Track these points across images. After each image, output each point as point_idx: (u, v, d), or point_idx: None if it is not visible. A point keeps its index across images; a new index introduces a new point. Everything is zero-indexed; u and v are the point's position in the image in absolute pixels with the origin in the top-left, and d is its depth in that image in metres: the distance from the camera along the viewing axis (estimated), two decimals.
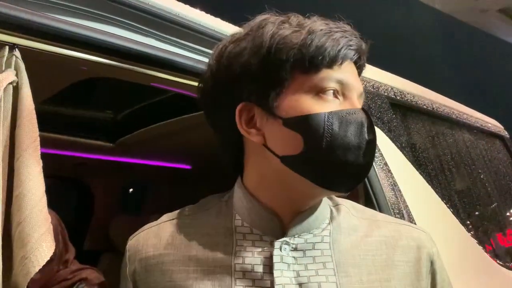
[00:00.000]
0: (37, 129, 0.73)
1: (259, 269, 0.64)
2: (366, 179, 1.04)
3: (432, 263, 0.70)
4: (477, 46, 6.72)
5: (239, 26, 1.07)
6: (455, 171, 1.52)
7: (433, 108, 1.52)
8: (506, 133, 2.22)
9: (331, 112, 0.61)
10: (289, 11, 0.69)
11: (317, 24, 0.63)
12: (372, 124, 0.63)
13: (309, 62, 0.61)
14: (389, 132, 1.17)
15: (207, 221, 0.70)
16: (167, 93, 1.95)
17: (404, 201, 1.08)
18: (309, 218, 0.67)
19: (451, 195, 1.41)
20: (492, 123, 2.13)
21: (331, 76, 0.62)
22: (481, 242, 1.50)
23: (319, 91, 0.62)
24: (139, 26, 0.93)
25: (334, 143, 0.60)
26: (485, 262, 1.35)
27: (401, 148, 1.20)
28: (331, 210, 0.72)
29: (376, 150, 1.11)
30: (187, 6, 0.97)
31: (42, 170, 0.73)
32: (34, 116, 0.73)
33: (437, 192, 1.28)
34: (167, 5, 0.93)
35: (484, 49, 6.77)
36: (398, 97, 1.31)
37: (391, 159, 1.13)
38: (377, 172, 1.05)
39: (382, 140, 1.13)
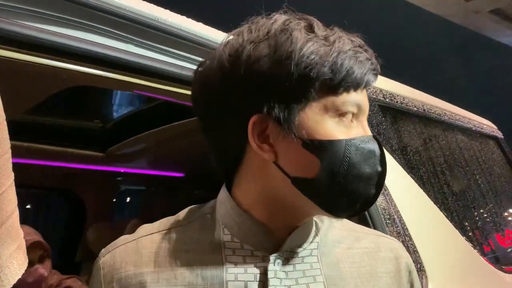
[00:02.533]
0: (8, 141, 0.70)
1: (254, 285, 0.61)
2: None
3: (409, 273, 0.71)
4: (469, 47, 6.75)
5: (223, 30, 1.05)
6: (448, 173, 1.50)
7: (424, 110, 1.50)
8: (500, 133, 2.21)
9: (350, 140, 0.59)
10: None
11: (344, 41, 0.61)
12: (383, 153, 0.63)
13: (338, 84, 0.59)
14: (378, 135, 1.15)
15: (191, 236, 0.66)
16: (157, 101, 1.94)
17: (395, 206, 1.06)
18: (304, 233, 0.66)
19: (445, 198, 1.39)
20: (485, 124, 2.11)
21: (354, 100, 0.60)
22: (478, 244, 1.48)
23: (340, 114, 0.60)
24: (117, 32, 0.90)
25: (350, 172, 0.59)
26: (480, 265, 1.33)
27: (392, 152, 1.18)
28: (316, 222, 0.70)
29: None
30: (167, 11, 0.95)
31: (13, 183, 0.70)
32: (5, 126, 0.70)
33: (429, 195, 1.25)
34: (146, 10, 0.90)
35: (477, 50, 6.79)
36: (387, 100, 1.29)
37: None
38: None
39: None
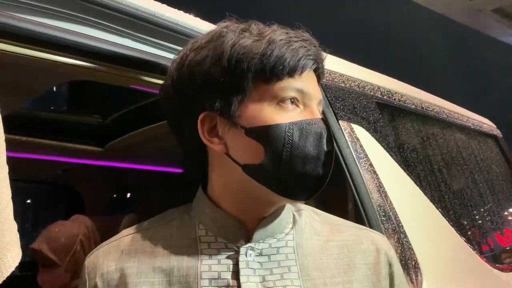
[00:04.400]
0: (3, 134, 0.70)
1: (226, 275, 0.64)
2: (351, 181, 1.02)
3: (390, 266, 0.73)
4: (472, 46, 6.73)
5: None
6: (445, 171, 1.50)
7: (422, 108, 1.50)
8: (499, 132, 2.20)
9: (292, 122, 0.63)
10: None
11: (277, 33, 0.64)
12: (331, 134, 0.65)
13: (270, 72, 0.63)
14: (374, 133, 1.14)
15: (169, 233, 0.70)
16: (156, 96, 1.93)
17: (391, 203, 1.06)
18: (272, 223, 0.69)
19: (442, 196, 1.39)
20: (485, 123, 2.11)
21: (291, 86, 0.64)
22: (476, 243, 1.48)
23: (279, 101, 0.64)
24: (114, 26, 0.90)
25: (294, 154, 0.62)
26: (476, 263, 1.33)
27: (388, 149, 1.17)
28: (294, 215, 0.73)
29: (361, 151, 1.09)
30: (164, 5, 0.95)
31: (7, 176, 0.70)
32: None
33: (426, 193, 1.25)
34: (142, 4, 0.90)
35: (479, 49, 6.77)
36: (385, 97, 1.29)
37: (377, 160, 1.11)
38: (362, 173, 1.03)
39: (367, 140, 1.11)
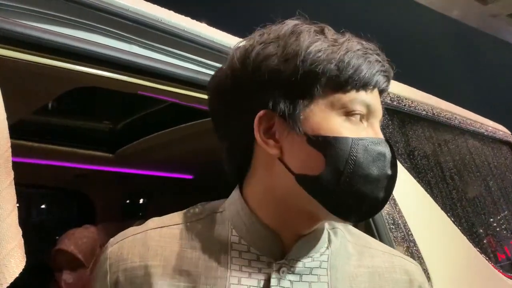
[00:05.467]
0: (9, 139, 0.70)
1: None
2: None
3: None
4: (488, 52, 6.64)
5: (226, 31, 1.05)
6: (457, 179, 1.47)
7: (433, 114, 1.48)
8: None
9: (358, 138, 0.59)
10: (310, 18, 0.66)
11: (354, 42, 0.61)
12: (395, 158, 0.62)
13: (345, 81, 0.59)
14: None
15: (199, 233, 0.66)
16: (166, 102, 1.94)
17: (400, 211, 1.04)
18: (311, 242, 0.65)
19: (453, 203, 1.36)
20: (499, 129, 2.07)
21: (361, 99, 0.60)
22: (491, 252, 1.45)
23: (348, 112, 0.60)
24: (121, 32, 0.90)
25: (356, 172, 0.58)
26: (489, 273, 1.30)
27: (398, 156, 1.16)
28: (329, 233, 0.69)
29: None
30: (171, 12, 0.95)
31: (13, 181, 0.70)
32: (5, 125, 0.71)
33: (437, 201, 1.23)
34: (149, 11, 0.91)
35: (495, 54, 6.68)
36: (395, 103, 1.27)
37: None
38: None
39: None
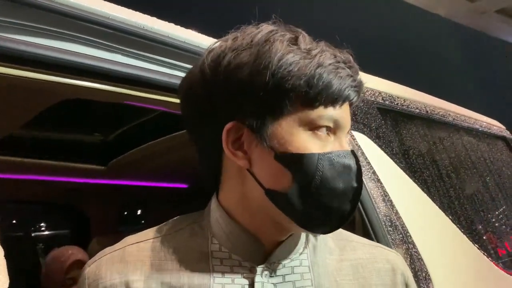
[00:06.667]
0: None
1: None
2: None
3: (406, 286, 0.70)
4: (476, 48, 6.68)
5: (212, 36, 1.03)
6: (454, 176, 1.45)
7: (427, 111, 1.46)
8: (509, 133, 2.15)
9: (324, 154, 0.59)
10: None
11: (326, 55, 0.60)
12: (360, 169, 0.62)
13: (313, 97, 0.59)
14: (377, 139, 1.11)
15: (178, 245, 0.65)
16: (156, 112, 1.92)
17: (397, 212, 1.02)
18: (290, 245, 0.66)
19: (451, 201, 1.34)
20: (493, 124, 2.06)
21: (329, 114, 0.60)
22: (492, 249, 1.43)
23: (314, 128, 0.60)
24: (103, 42, 0.88)
25: (323, 187, 0.59)
26: (491, 271, 1.28)
27: (392, 155, 1.14)
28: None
29: (363, 159, 1.05)
30: (154, 18, 0.93)
31: None
32: None
33: (434, 200, 1.21)
34: (131, 18, 0.88)
35: (485, 50, 6.72)
36: (387, 102, 1.25)
37: (381, 167, 1.07)
38: (365, 182, 0.99)
39: (370, 147, 1.07)
